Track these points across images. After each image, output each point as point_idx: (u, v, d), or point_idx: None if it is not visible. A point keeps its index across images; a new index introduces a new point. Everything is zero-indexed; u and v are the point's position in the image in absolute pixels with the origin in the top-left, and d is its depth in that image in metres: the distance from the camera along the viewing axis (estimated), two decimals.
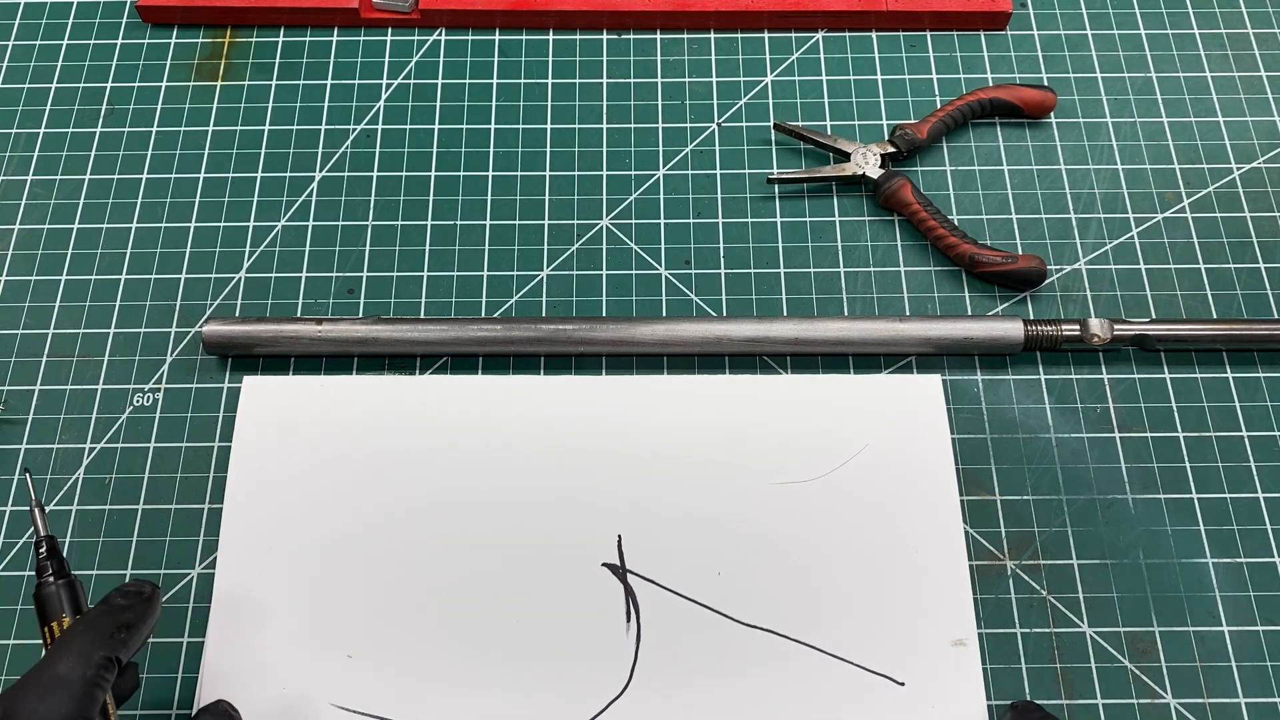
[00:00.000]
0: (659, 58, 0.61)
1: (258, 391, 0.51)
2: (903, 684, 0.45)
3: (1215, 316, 0.53)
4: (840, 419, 0.50)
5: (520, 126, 0.59)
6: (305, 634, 0.46)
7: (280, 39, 0.62)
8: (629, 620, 0.46)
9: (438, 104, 0.60)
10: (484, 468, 0.49)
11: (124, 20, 0.62)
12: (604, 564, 0.47)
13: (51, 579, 0.40)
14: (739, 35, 0.61)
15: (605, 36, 0.62)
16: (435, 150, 0.58)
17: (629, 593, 0.47)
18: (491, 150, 0.58)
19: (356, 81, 0.60)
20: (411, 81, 0.60)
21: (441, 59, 0.61)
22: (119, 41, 0.62)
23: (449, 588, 0.47)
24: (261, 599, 0.46)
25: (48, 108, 0.60)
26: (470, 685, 0.45)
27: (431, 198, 0.57)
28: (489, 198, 0.57)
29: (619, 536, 0.48)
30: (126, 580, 0.48)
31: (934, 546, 0.47)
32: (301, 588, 0.46)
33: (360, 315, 0.54)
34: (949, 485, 0.49)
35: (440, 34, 0.62)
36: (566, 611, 0.46)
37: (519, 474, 0.49)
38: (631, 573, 0.47)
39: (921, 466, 0.49)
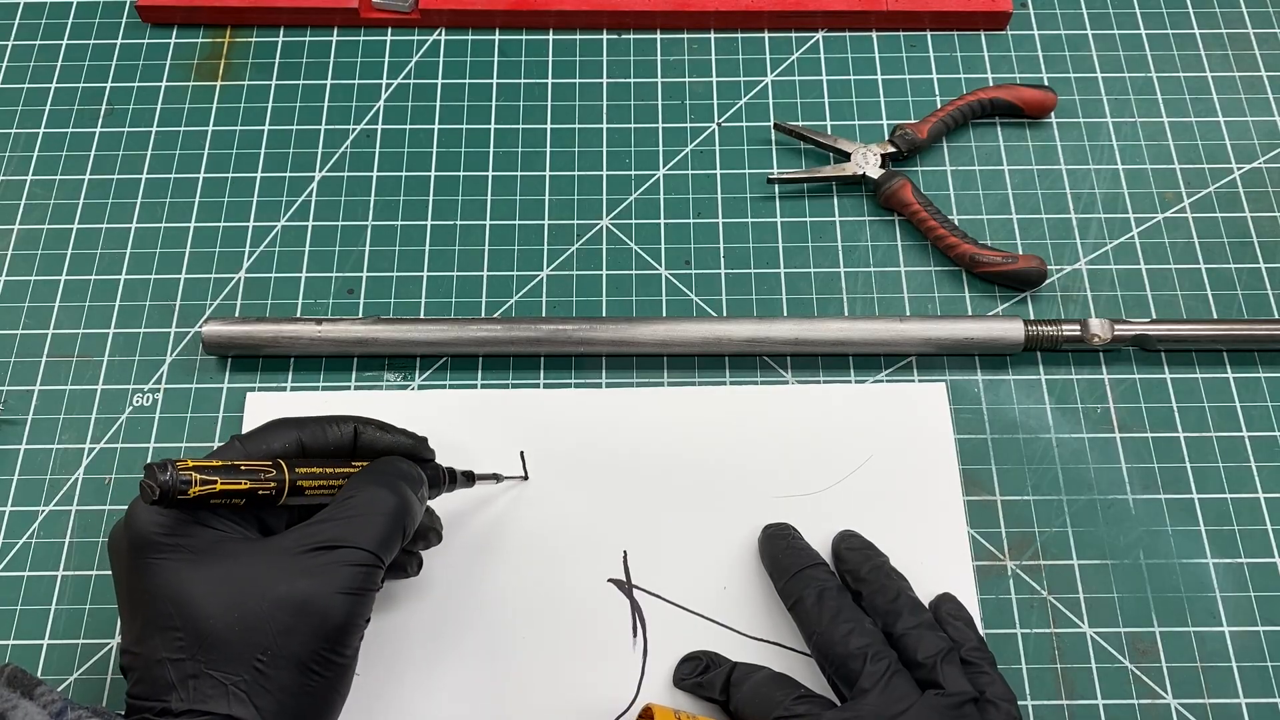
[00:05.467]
0: (659, 58, 0.61)
1: (262, 407, 0.51)
2: None
3: (1216, 316, 0.53)
4: (845, 428, 0.50)
5: (520, 126, 0.59)
6: None
7: (280, 39, 0.61)
8: (635, 635, 0.46)
9: (438, 104, 0.60)
10: (487, 483, 0.49)
11: (124, 20, 0.62)
12: (610, 579, 0.47)
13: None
14: (739, 35, 0.61)
15: (605, 36, 0.62)
16: (435, 150, 0.58)
17: (635, 608, 0.46)
18: (491, 150, 0.58)
19: (356, 81, 0.60)
20: (411, 81, 0.60)
21: (441, 59, 0.61)
22: (119, 41, 0.62)
23: (453, 603, 0.46)
24: None
25: (47, 108, 0.60)
26: (477, 701, 0.44)
27: (431, 198, 0.57)
28: (489, 198, 0.57)
29: (624, 552, 0.48)
30: None
31: (938, 555, 0.47)
32: None
33: (360, 315, 0.54)
34: (954, 493, 0.49)
35: (440, 34, 0.62)
36: (573, 627, 0.46)
37: (522, 488, 0.49)
38: (637, 588, 0.47)
39: (926, 475, 0.49)
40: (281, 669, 0.34)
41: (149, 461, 0.35)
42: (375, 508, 0.37)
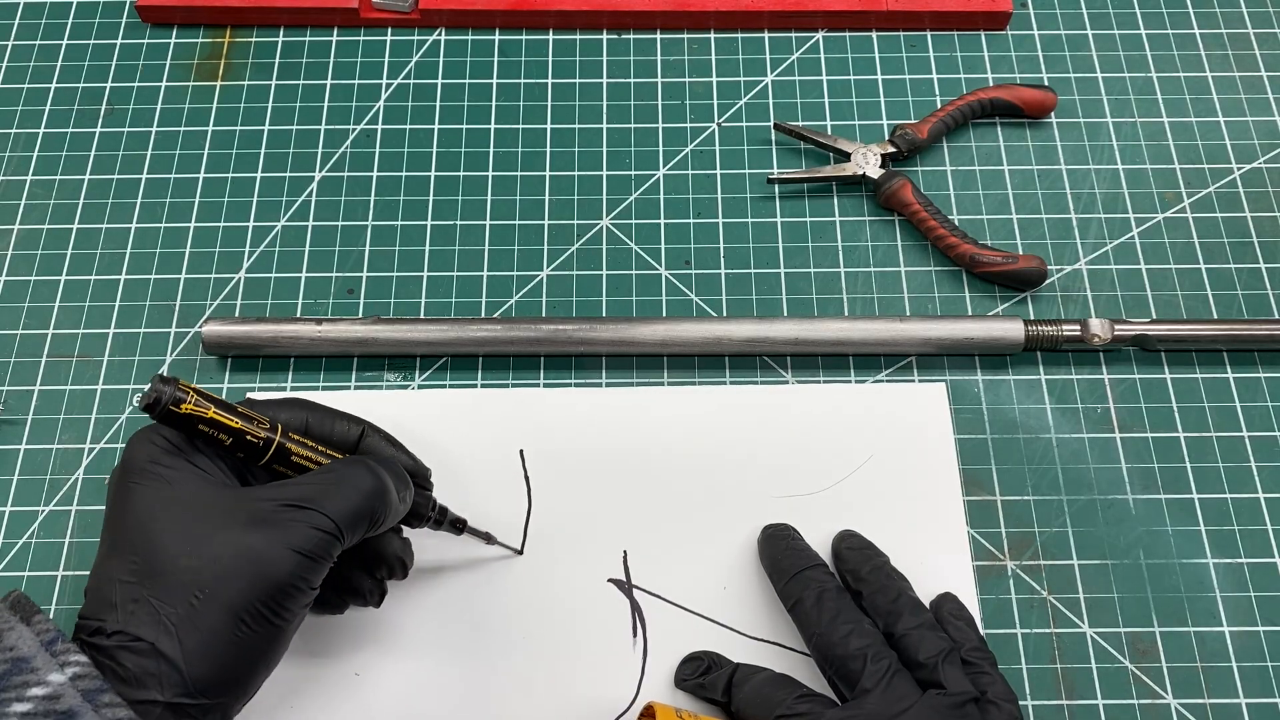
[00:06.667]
0: (659, 58, 0.61)
1: None
2: None
3: (1216, 316, 0.53)
4: (845, 428, 0.50)
5: (520, 126, 0.59)
6: (311, 651, 0.45)
7: (280, 39, 0.61)
8: (635, 635, 0.46)
9: (438, 104, 0.60)
10: (485, 482, 0.49)
11: (124, 20, 0.62)
12: (610, 579, 0.47)
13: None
14: (739, 35, 0.61)
15: (605, 36, 0.62)
16: (435, 150, 0.58)
17: (635, 608, 0.46)
18: (491, 150, 0.58)
19: (356, 81, 0.60)
20: (411, 81, 0.60)
21: (441, 59, 0.61)
22: (119, 41, 0.62)
23: (454, 603, 0.46)
24: None
25: (47, 108, 0.60)
26: (478, 701, 0.44)
27: (431, 198, 0.57)
28: (489, 198, 0.57)
29: (624, 552, 0.48)
30: None
31: (938, 555, 0.47)
32: None
33: (360, 315, 0.54)
34: (954, 493, 0.49)
35: (440, 34, 0.62)
36: (573, 627, 0.46)
37: (521, 488, 0.49)
38: (637, 588, 0.47)
39: (926, 475, 0.49)
40: (214, 611, 0.34)
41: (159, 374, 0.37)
42: (351, 482, 0.37)
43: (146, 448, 0.37)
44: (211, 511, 0.36)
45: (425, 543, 0.46)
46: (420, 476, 0.43)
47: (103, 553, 0.36)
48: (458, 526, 0.44)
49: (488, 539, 0.46)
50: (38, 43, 0.62)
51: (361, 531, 0.38)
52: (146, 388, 0.36)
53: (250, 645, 0.35)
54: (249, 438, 0.37)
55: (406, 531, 0.44)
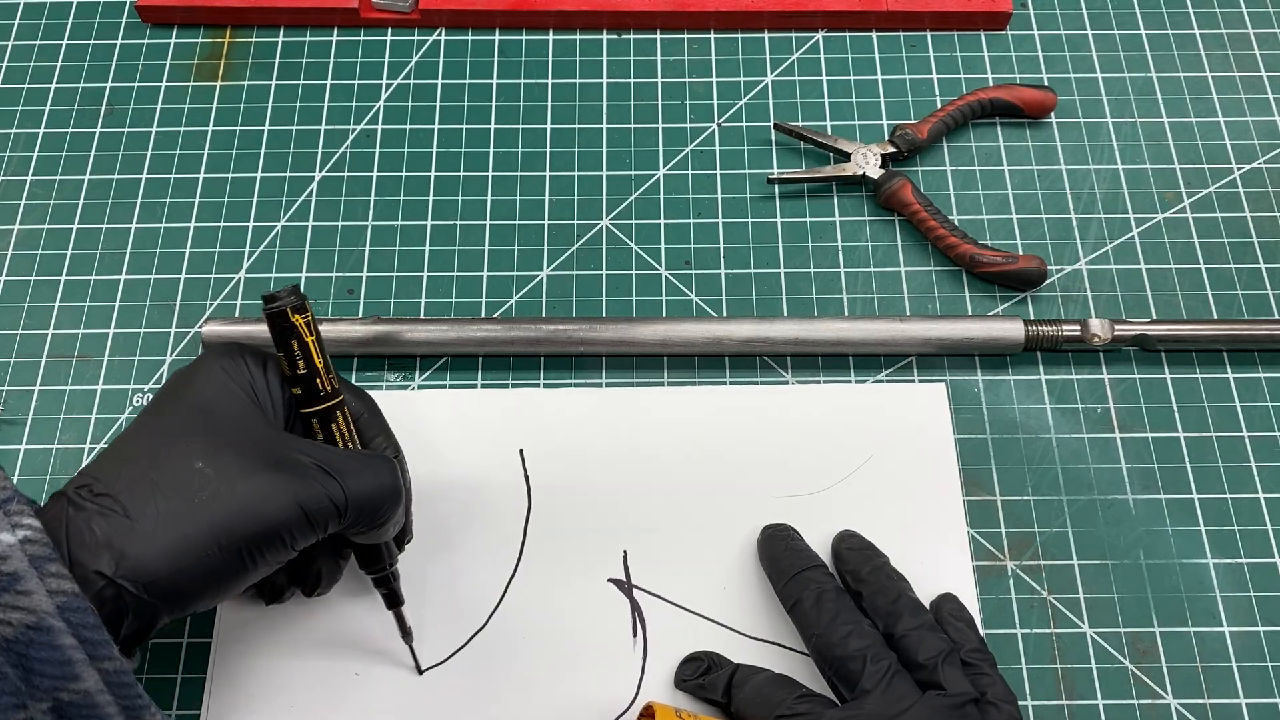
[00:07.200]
0: (659, 58, 0.61)
1: None
2: None
3: (1216, 316, 0.53)
4: (845, 428, 0.50)
5: (520, 126, 0.59)
6: (312, 651, 0.45)
7: (280, 39, 0.61)
8: (635, 635, 0.46)
9: (438, 104, 0.60)
10: (485, 482, 0.49)
11: (124, 20, 0.62)
12: (610, 579, 0.47)
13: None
14: (739, 35, 0.61)
15: (605, 36, 0.62)
16: (435, 150, 0.58)
17: (635, 608, 0.46)
18: (491, 150, 0.58)
19: (356, 81, 0.60)
20: (411, 81, 0.60)
21: (441, 59, 0.61)
22: (119, 41, 0.62)
23: (453, 603, 0.46)
24: (267, 614, 0.46)
25: (47, 108, 0.60)
26: (478, 701, 0.44)
27: (431, 198, 0.57)
28: (489, 198, 0.57)
29: (624, 552, 0.48)
30: None
31: (938, 555, 0.47)
32: (307, 603, 0.46)
33: (360, 315, 0.54)
34: (954, 493, 0.49)
35: (440, 34, 0.62)
36: (573, 627, 0.46)
37: (521, 488, 0.49)
38: (637, 588, 0.47)
39: (926, 475, 0.49)
40: (199, 521, 0.34)
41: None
42: (379, 474, 0.38)
43: (226, 360, 0.39)
44: (249, 437, 0.37)
45: (426, 543, 0.47)
46: (402, 534, 0.44)
47: (138, 423, 0.37)
48: (396, 599, 0.43)
49: (406, 635, 0.44)
50: (38, 43, 0.62)
51: (359, 524, 0.38)
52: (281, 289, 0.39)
53: (210, 569, 0.35)
54: (318, 380, 0.39)
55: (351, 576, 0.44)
